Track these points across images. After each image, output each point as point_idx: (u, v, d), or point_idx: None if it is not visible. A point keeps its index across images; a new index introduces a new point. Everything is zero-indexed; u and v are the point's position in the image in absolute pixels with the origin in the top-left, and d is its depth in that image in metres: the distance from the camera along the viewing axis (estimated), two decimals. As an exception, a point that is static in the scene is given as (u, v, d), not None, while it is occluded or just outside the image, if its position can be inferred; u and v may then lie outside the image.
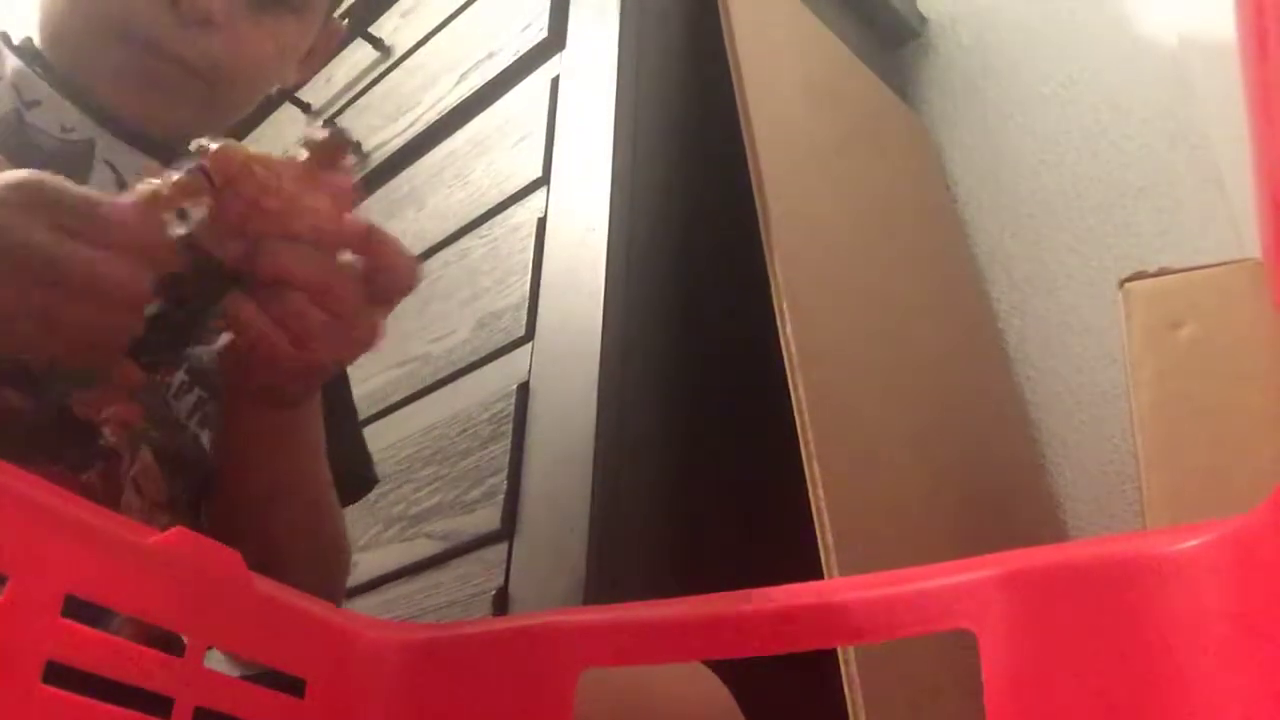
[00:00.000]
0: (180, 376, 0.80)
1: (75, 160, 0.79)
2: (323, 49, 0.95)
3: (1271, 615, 0.33)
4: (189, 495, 0.79)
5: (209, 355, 0.78)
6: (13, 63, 0.82)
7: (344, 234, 0.63)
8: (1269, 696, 0.33)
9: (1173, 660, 0.35)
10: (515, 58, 1.33)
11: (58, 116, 0.80)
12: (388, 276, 0.65)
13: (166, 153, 0.81)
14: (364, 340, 0.66)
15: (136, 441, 0.75)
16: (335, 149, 0.63)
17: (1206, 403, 0.95)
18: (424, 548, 1.07)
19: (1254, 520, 0.34)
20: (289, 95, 1.64)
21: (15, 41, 0.85)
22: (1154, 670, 0.35)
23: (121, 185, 0.78)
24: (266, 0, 0.83)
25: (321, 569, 0.82)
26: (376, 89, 1.59)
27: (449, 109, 1.40)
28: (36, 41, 0.84)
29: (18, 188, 0.59)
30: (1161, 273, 1.02)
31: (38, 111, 0.79)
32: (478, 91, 1.37)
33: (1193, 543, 0.36)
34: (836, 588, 0.42)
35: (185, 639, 0.46)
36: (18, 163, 0.73)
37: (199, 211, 0.61)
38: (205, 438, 0.81)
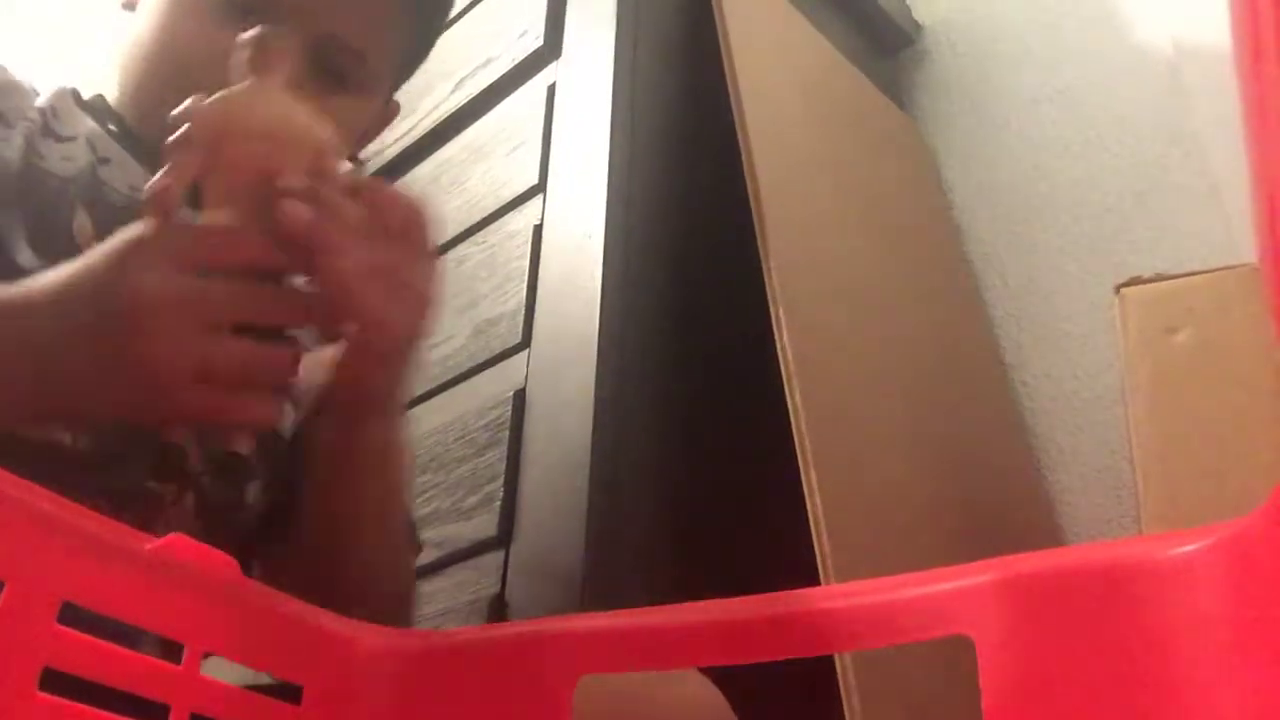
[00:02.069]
0: None
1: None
2: (377, 128, 0.97)
3: (1268, 620, 0.33)
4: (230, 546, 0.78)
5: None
6: (87, 123, 0.83)
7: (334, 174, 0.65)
8: (1267, 702, 0.33)
9: (1170, 666, 0.35)
10: (512, 65, 1.33)
11: (126, 176, 0.81)
12: (397, 213, 0.67)
13: None
14: (425, 291, 0.69)
15: (185, 484, 0.75)
16: (272, 46, 0.66)
17: (1202, 408, 0.95)
18: (420, 554, 1.07)
19: (1250, 524, 0.34)
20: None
21: (85, 97, 0.86)
22: (1151, 676, 0.35)
23: None
24: (331, 82, 0.83)
25: (398, 597, 0.84)
26: (373, 96, 1.59)
27: (445, 116, 1.40)
28: (110, 98, 0.86)
29: (150, 243, 0.61)
30: (1157, 278, 1.02)
31: (108, 169, 0.80)
32: (474, 99, 1.37)
33: (1189, 548, 0.36)
34: (832, 594, 0.42)
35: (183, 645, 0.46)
36: (95, 214, 0.77)
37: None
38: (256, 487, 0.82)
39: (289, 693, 0.50)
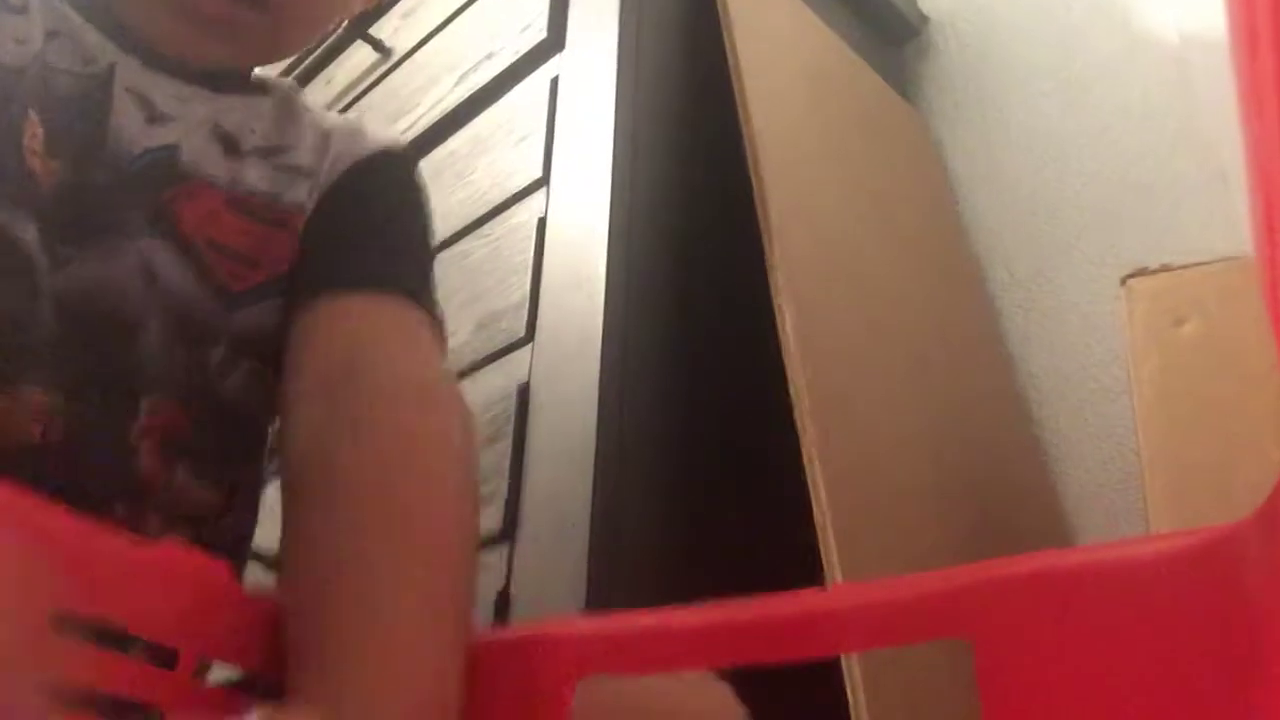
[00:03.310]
0: (219, 352, 0.74)
1: (92, 98, 0.72)
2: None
3: (1268, 620, 0.32)
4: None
5: (257, 315, 0.75)
6: None
7: None
8: (1273, 704, 0.33)
9: (1172, 667, 0.35)
10: (515, 58, 1.33)
11: (76, 46, 0.73)
12: None
13: (206, 81, 0.77)
14: None
15: (173, 458, 0.69)
16: None
17: (1209, 399, 0.94)
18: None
19: (1251, 523, 0.34)
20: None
21: None
22: (1152, 678, 0.34)
23: (150, 114, 0.74)
24: None
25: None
26: (377, 90, 1.59)
27: (449, 109, 1.40)
28: None
29: None
30: (1163, 269, 1.02)
31: (56, 46, 0.72)
32: (478, 92, 1.37)
33: (1191, 547, 0.36)
34: (835, 595, 0.42)
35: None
36: (46, 117, 0.69)
37: None
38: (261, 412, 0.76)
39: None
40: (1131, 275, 1.02)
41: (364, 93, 1.61)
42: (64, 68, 0.72)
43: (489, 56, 1.37)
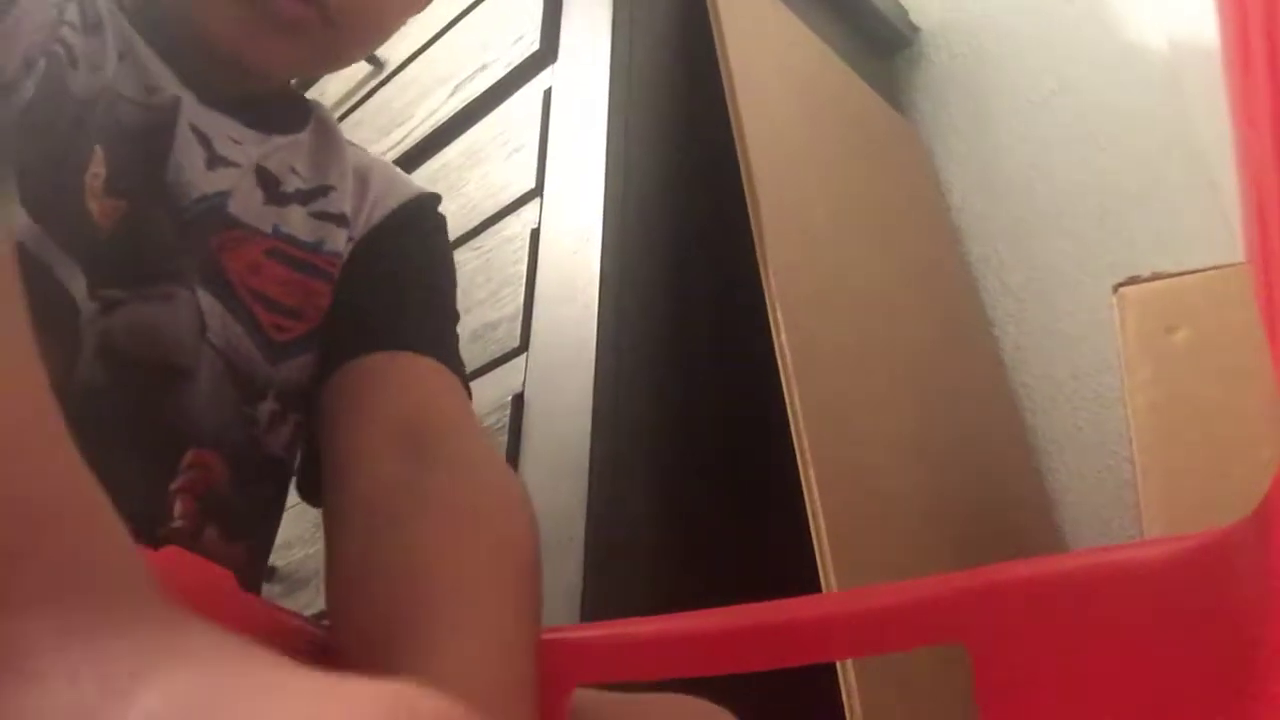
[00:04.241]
0: (268, 406, 0.73)
1: (156, 134, 0.70)
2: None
3: (1261, 623, 0.33)
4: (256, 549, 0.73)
5: (299, 367, 0.74)
6: (104, 4, 0.71)
7: None
8: (1271, 703, 0.33)
9: (1166, 668, 0.35)
10: (508, 70, 1.33)
11: (141, 73, 0.70)
12: None
13: (257, 119, 0.75)
14: None
15: (206, 516, 0.68)
16: None
17: (1202, 406, 0.95)
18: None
19: (1243, 528, 0.34)
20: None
21: None
22: (1146, 679, 0.35)
23: (210, 156, 0.72)
24: None
25: None
26: (370, 102, 1.59)
27: (442, 122, 1.41)
28: None
29: None
30: (1155, 277, 1.02)
31: (123, 71, 0.69)
32: (471, 104, 1.37)
33: (1185, 551, 0.36)
34: (828, 602, 0.42)
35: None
36: (111, 150, 0.66)
37: None
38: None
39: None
40: (1123, 283, 1.02)
41: (358, 104, 1.61)
42: (129, 95, 0.70)
43: (482, 68, 1.38)
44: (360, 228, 0.81)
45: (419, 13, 0.85)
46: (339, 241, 0.79)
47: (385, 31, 0.81)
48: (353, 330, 0.75)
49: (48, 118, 0.64)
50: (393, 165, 0.89)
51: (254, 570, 0.75)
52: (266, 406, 0.73)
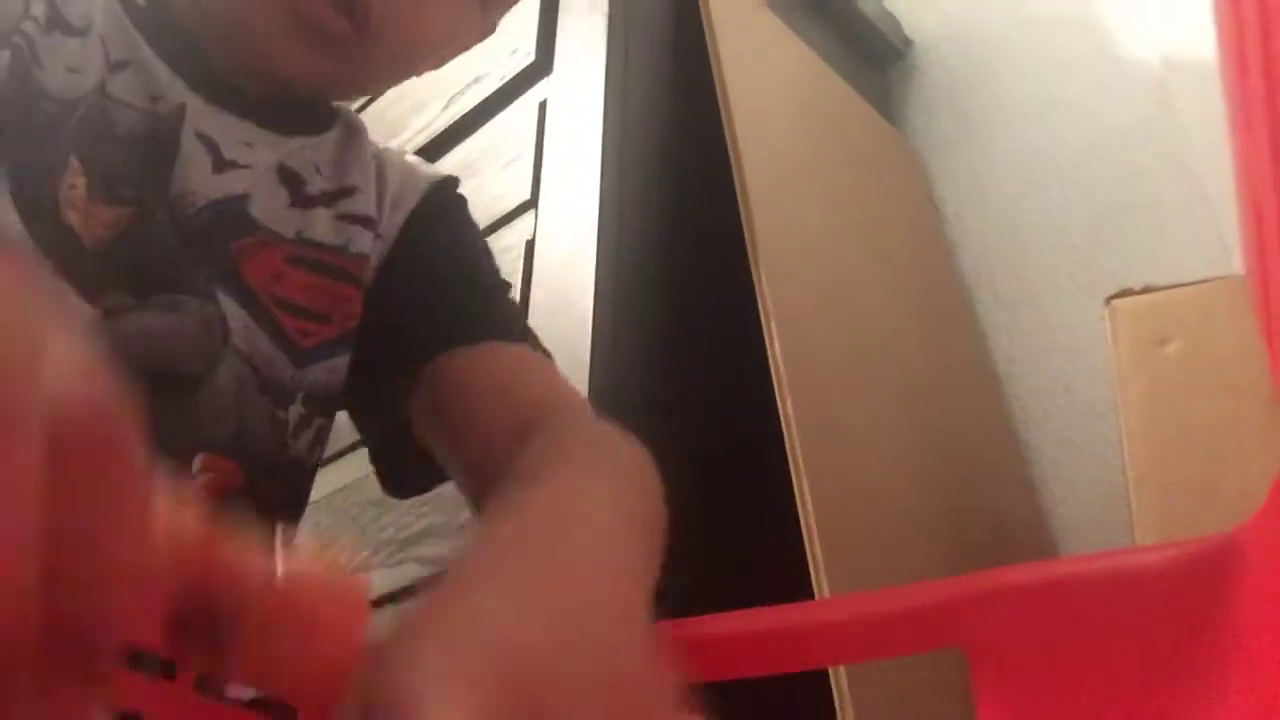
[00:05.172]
0: (297, 410, 0.72)
1: (160, 140, 0.69)
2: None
3: (1258, 629, 0.33)
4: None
5: (326, 371, 0.74)
6: (103, 7, 0.68)
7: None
8: (1259, 709, 0.33)
9: (1162, 674, 0.35)
10: (503, 82, 1.34)
11: (146, 81, 0.69)
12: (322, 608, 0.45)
13: (274, 121, 0.75)
14: None
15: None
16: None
17: (1194, 418, 0.95)
18: (413, 572, 1.07)
19: (1240, 535, 0.35)
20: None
21: None
22: (1142, 685, 0.35)
23: (216, 161, 0.71)
24: None
25: None
26: (365, 114, 1.59)
27: (437, 133, 1.41)
28: None
29: None
30: (1147, 290, 1.02)
31: (123, 78, 0.68)
32: (466, 115, 1.38)
33: (1180, 558, 0.36)
34: (824, 608, 0.42)
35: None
36: (94, 163, 0.64)
37: None
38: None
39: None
40: (1115, 296, 1.03)
41: (352, 116, 1.61)
42: (129, 101, 0.68)
43: (477, 80, 1.38)
44: (384, 225, 0.81)
45: (474, 44, 0.86)
46: (365, 242, 0.78)
47: (426, 54, 0.80)
48: (419, 333, 0.76)
49: (18, 113, 0.63)
50: (401, 152, 0.89)
51: None
52: (295, 410, 0.72)
